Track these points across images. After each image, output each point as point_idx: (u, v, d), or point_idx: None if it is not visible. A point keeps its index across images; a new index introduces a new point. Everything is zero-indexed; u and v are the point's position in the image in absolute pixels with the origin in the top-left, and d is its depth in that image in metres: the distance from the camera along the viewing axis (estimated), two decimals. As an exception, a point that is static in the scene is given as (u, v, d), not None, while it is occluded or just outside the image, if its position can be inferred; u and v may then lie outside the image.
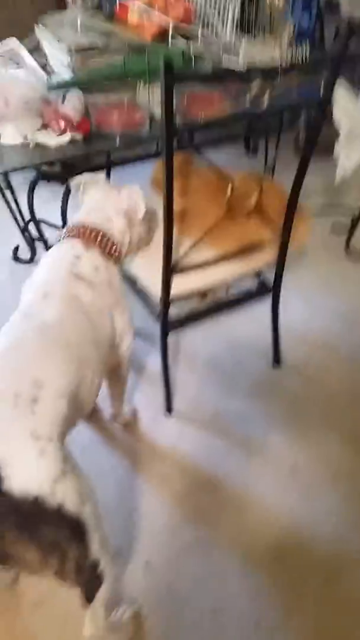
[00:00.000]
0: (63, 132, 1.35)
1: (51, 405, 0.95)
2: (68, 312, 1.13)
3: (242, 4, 1.76)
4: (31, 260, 2.21)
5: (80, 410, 1.12)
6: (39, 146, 1.34)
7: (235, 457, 1.63)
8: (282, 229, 1.52)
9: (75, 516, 0.91)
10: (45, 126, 1.38)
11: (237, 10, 1.62)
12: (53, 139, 1.34)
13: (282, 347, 1.92)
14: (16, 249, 2.32)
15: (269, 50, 1.64)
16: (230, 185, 1.30)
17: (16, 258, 2.30)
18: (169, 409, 1.73)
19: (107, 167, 1.55)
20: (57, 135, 1.35)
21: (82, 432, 1.66)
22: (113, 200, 1.33)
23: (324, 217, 2.62)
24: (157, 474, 1.59)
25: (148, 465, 1.61)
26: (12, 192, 2.00)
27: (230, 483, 1.57)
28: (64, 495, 0.89)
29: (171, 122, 1.08)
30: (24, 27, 1.79)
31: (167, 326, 1.57)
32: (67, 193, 1.59)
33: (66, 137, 1.34)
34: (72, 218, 1.35)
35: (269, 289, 1.75)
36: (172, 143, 1.12)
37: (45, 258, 1.27)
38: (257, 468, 1.61)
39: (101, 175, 1.41)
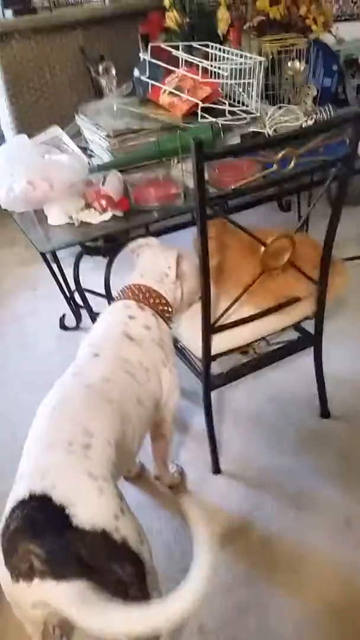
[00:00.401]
0: (105, 210, 1.46)
1: (102, 451, 1.03)
2: (115, 373, 1.22)
3: (266, 75, 1.90)
4: (77, 327, 2.33)
5: (123, 464, 1.17)
6: (83, 224, 1.45)
7: (286, 513, 1.62)
8: (318, 282, 1.56)
9: (136, 552, 0.95)
10: (88, 206, 1.49)
11: (261, 82, 1.74)
12: (96, 217, 1.45)
13: (329, 397, 1.91)
14: (63, 317, 2.44)
15: (294, 116, 1.75)
16: (263, 243, 1.36)
17: (63, 326, 2.42)
18: (216, 469, 1.75)
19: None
20: (100, 213, 1.46)
21: (129, 494, 1.68)
22: (163, 261, 1.43)
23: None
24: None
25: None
26: (59, 265, 2.14)
27: (283, 540, 1.55)
28: (126, 530, 0.93)
29: (204, 195, 1.17)
30: (66, 114, 1.97)
31: (210, 384, 1.62)
32: (109, 264, 1.70)
33: (108, 215, 1.45)
34: (127, 279, 1.45)
35: (310, 340, 1.78)
36: (205, 213, 1.21)
37: (102, 317, 1.39)
38: (310, 523, 1.59)
39: (153, 238, 1.52)
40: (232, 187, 1.19)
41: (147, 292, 1.39)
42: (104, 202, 1.47)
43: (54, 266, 2.20)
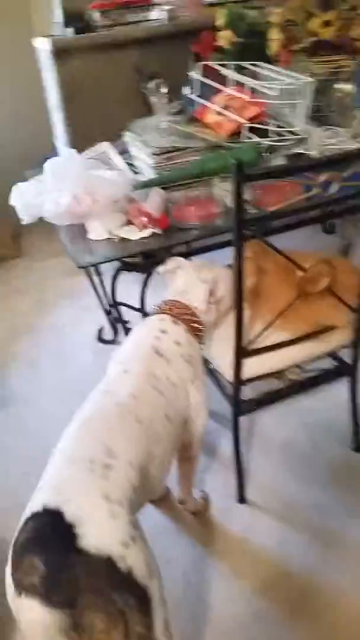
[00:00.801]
0: (145, 227, 1.46)
1: (122, 473, 1.01)
2: (142, 389, 1.20)
3: (314, 97, 1.87)
4: (114, 341, 2.33)
5: (149, 488, 1.15)
6: (122, 241, 1.45)
7: (312, 550, 1.55)
8: (358, 310, 1.51)
9: (143, 586, 0.91)
10: (129, 222, 1.49)
11: (308, 102, 1.71)
12: (135, 234, 1.45)
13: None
14: (100, 330, 2.45)
15: (341, 139, 1.70)
16: (301, 268, 1.32)
17: (100, 339, 2.43)
18: (241, 499, 1.70)
19: (186, 255, 1.65)
20: (140, 230, 1.46)
21: (151, 517, 1.65)
22: (198, 289, 1.43)
23: None
24: (227, 566, 1.54)
25: (218, 556, 1.57)
26: (100, 278, 2.15)
27: (308, 578, 1.49)
28: (133, 561, 0.90)
29: (242, 216, 1.15)
30: (118, 130, 1.98)
31: (239, 409, 1.58)
32: (146, 280, 1.69)
33: (147, 232, 1.44)
34: (163, 298, 1.46)
35: (346, 369, 1.72)
36: (242, 234, 1.18)
37: (134, 331, 1.39)
38: (336, 562, 1.52)
39: (183, 260, 1.51)
40: (271, 209, 1.15)
41: (183, 308, 1.40)
42: (144, 219, 1.47)
43: (95, 279, 2.22)
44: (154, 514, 1.69)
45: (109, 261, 1.39)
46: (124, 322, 2.12)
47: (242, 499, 1.70)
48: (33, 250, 3.32)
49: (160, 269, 1.50)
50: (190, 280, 1.46)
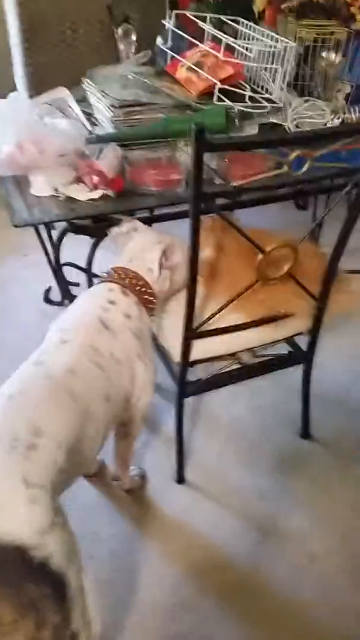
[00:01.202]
0: (95, 187, 1.33)
1: (48, 455, 0.92)
2: (81, 364, 1.11)
3: (298, 64, 1.74)
4: (62, 303, 2.20)
5: (79, 465, 1.07)
6: (69, 200, 1.31)
7: (249, 537, 1.51)
8: (318, 299, 1.43)
9: (59, 575, 0.85)
10: (78, 179, 1.36)
11: (289, 69, 1.58)
12: (84, 194, 1.32)
13: (314, 417, 1.79)
14: (48, 289, 2.32)
15: (320, 112, 1.59)
16: (261, 250, 1.22)
17: (47, 299, 2.29)
18: (180, 479, 1.64)
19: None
20: (90, 190, 1.32)
21: (83, 492, 1.58)
22: (153, 253, 1.32)
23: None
24: (159, 549, 1.48)
25: (151, 537, 1.51)
26: (50, 234, 2.00)
27: (241, 566, 1.45)
28: (50, 549, 0.84)
29: (199, 189, 1.03)
30: (85, 76, 1.80)
31: (185, 391, 1.50)
32: (94, 246, 1.56)
33: (98, 193, 1.32)
34: (113, 263, 1.34)
35: (301, 357, 1.65)
36: (200, 208, 1.07)
37: (80, 298, 1.28)
38: (271, 552, 1.48)
39: (140, 223, 1.39)
40: (235, 184, 1.04)
41: (135, 279, 1.29)
42: (95, 178, 1.34)
43: (45, 235, 2.07)
44: (87, 489, 1.61)
45: (49, 222, 1.26)
46: (73, 284, 1.99)
47: (180, 479, 1.64)
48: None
49: (114, 230, 1.37)
50: (144, 244, 1.35)
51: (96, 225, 1.44)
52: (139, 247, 1.35)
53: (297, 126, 1.53)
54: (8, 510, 0.84)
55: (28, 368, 1.09)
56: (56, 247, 1.59)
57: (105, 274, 1.31)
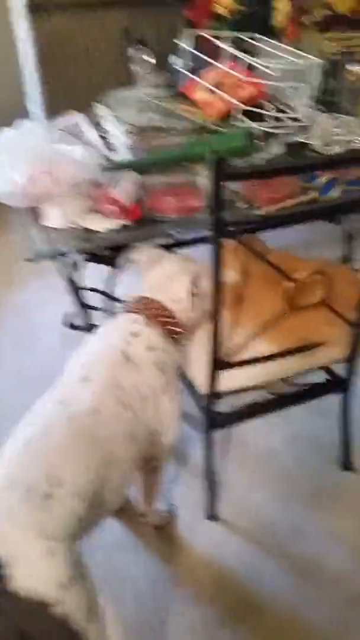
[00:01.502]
0: (113, 217, 1.27)
1: (67, 505, 0.88)
2: (105, 402, 1.05)
3: (324, 78, 1.66)
4: (84, 326, 2.16)
5: (101, 511, 1.02)
6: (85, 231, 1.26)
7: (286, 579, 1.42)
8: (354, 325, 1.35)
9: (80, 631, 0.81)
10: (94, 209, 1.31)
11: (315, 85, 1.51)
12: (101, 224, 1.27)
13: (355, 448, 1.69)
14: (70, 314, 2.28)
15: (349, 130, 1.51)
16: (290, 279, 1.15)
17: (69, 323, 2.25)
18: (211, 515, 1.56)
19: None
20: (107, 220, 1.27)
21: (108, 529, 1.51)
22: (178, 285, 1.26)
23: None
24: (189, 590, 1.40)
25: (180, 578, 1.43)
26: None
27: (278, 610, 1.36)
28: (70, 604, 0.80)
29: (220, 220, 0.97)
30: (100, 100, 1.76)
31: (214, 423, 1.43)
32: (114, 275, 1.51)
33: (115, 223, 1.26)
34: (134, 292, 1.29)
35: (339, 385, 1.56)
36: (221, 240, 1.01)
37: (101, 330, 1.23)
38: (310, 595, 1.38)
39: (164, 252, 1.34)
40: (260, 212, 0.98)
41: (159, 309, 1.23)
42: (112, 207, 1.28)
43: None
44: (111, 526, 1.54)
45: (63, 255, 1.21)
46: (96, 309, 1.95)
47: (211, 516, 1.56)
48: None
49: (136, 256, 1.32)
50: (169, 273, 1.29)
51: (113, 254, 1.38)
52: (164, 276, 1.29)
53: (325, 145, 1.45)
54: (28, 565, 0.80)
55: (49, 406, 1.04)
56: (73, 277, 1.54)
57: (128, 303, 1.26)
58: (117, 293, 1.60)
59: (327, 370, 1.57)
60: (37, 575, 0.80)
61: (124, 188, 1.29)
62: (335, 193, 0.97)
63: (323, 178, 0.94)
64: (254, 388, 1.41)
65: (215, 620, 1.34)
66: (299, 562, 1.46)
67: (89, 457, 0.96)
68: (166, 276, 1.29)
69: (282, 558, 1.47)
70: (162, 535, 1.54)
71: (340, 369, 1.54)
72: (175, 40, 1.70)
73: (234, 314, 1.36)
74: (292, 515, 1.57)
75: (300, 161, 1.21)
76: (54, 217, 1.27)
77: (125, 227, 1.27)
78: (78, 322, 2.21)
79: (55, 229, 1.26)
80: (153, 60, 1.87)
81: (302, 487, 1.65)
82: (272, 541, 1.51)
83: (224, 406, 1.42)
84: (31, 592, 0.77)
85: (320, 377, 1.57)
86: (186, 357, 1.40)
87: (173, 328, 1.24)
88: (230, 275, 1.41)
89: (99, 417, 1.02)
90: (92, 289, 2.09)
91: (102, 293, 1.83)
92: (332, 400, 1.60)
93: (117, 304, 1.56)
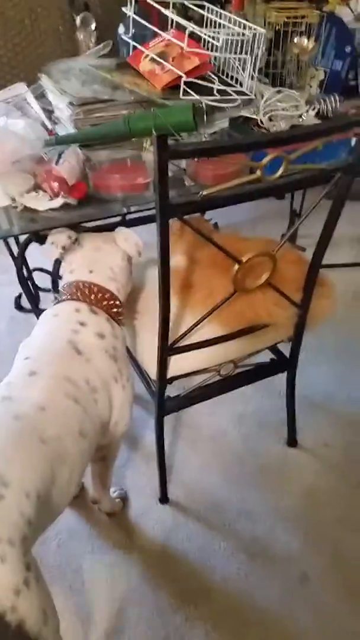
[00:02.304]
0: (55, 195, 1.21)
1: (14, 507, 0.82)
2: (54, 398, 0.99)
3: (269, 50, 1.63)
4: (34, 310, 2.09)
5: (51, 512, 0.96)
6: (28, 210, 1.20)
7: (236, 559, 1.44)
8: (300, 306, 1.35)
9: (34, 637, 0.77)
10: (37, 187, 1.24)
11: (260, 58, 1.47)
12: (43, 203, 1.20)
13: (300, 425, 1.72)
14: (19, 296, 2.20)
15: (294, 103, 1.49)
16: (237, 260, 1.13)
17: (19, 306, 2.18)
18: (163, 498, 1.55)
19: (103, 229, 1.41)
20: (49, 199, 1.21)
21: (60, 517, 1.49)
22: (111, 255, 1.24)
23: (357, 270, 2.44)
24: (144, 576, 1.40)
25: (134, 564, 1.42)
26: (17, 239, 1.88)
27: (228, 591, 1.37)
28: (26, 610, 0.76)
29: (166, 201, 0.93)
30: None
31: (164, 409, 1.40)
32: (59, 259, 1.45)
33: (58, 202, 1.19)
34: (68, 275, 1.23)
35: (284, 364, 1.57)
36: (167, 221, 0.97)
37: (45, 319, 1.16)
38: (260, 574, 1.40)
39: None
40: (203, 192, 0.94)
41: (100, 293, 1.18)
42: (55, 185, 1.22)
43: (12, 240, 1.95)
44: (65, 514, 1.51)
45: (8, 237, 1.14)
46: (44, 290, 1.89)
47: (164, 499, 1.56)
48: None
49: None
50: (98, 250, 1.25)
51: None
52: (92, 254, 1.24)
53: (270, 119, 1.42)
54: None
55: None
56: (20, 258, 1.48)
57: (65, 292, 1.19)
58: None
59: (273, 350, 1.57)
60: None
61: (68, 165, 1.22)
62: (279, 172, 0.94)
63: (268, 157, 0.90)
64: (204, 371, 1.39)
65: (169, 606, 1.34)
66: (248, 543, 1.47)
67: (36, 457, 0.91)
68: (95, 255, 1.24)
69: (232, 539, 1.48)
70: (115, 521, 1.52)
71: (285, 350, 1.55)
72: (123, 8, 1.62)
73: (183, 296, 1.33)
74: (241, 495, 1.58)
75: (245, 139, 1.18)
76: (-5, 195, 1.19)
77: (69, 205, 1.21)
78: (26, 304, 2.14)
79: (-3, 207, 1.19)
80: (95, 27, 1.79)
81: (250, 466, 1.66)
82: (223, 523, 1.52)
83: (174, 388, 1.40)
84: None
85: (266, 358, 1.56)
86: (135, 343, 1.37)
87: (117, 310, 1.20)
88: (178, 259, 1.38)
89: (46, 414, 0.97)
90: (40, 269, 2.03)
91: (49, 273, 1.78)
92: (277, 378, 1.61)
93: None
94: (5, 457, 0.88)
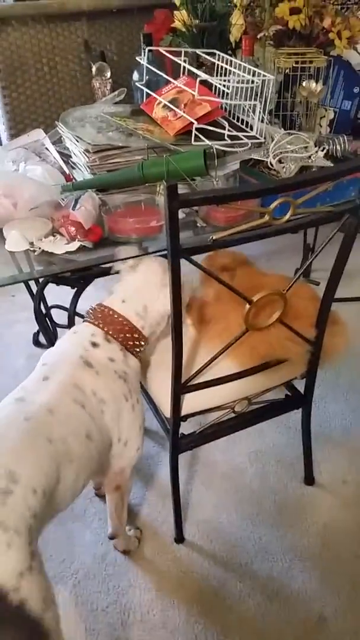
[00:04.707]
0: (72, 239, 1.25)
1: (22, 500, 0.89)
2: (62, 402, 1.06)
3: (279, 93, 1.68)
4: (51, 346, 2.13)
5: (55, 508, 1.02)
6: (45, 253, 1.24)
7: (252, 599, 1.41)
8: (313, 343, 1.36)
9: (37, 620, 0.83)
10: (55, 231, 1.29)
11: (270, 102, 1.51)
12: (60, 247, 1.24)
13: (317, 460, 1.71)
14: (37, 332, 2.25)
15: (304, 145, 1.52)
16: (247, 300, 1.15)
17: (37, 342, 2.22)
18: (178, 538, 1.54)
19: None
20: (66, 242, 1.25)
21: (77, 556, 1.50)
22: (154, 290, 1.26)
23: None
24: (159, 619, 1.38)
25: (150, 606, 1.41)
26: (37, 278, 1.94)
27: (245, 632, 1.35)
28: (28, 592, 0.82)
29: (177, 246, 0.96)
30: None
31: (179, 446, 1.41)
32: (76, 297, 1.49)
33: (74, 246, 1.24)
34: (110, 296, 1.28)
35: (299, 401, 1.57)
36: (179, 266, 1.00)
37: (67, 335, 1.23)
38: (277, 615, 1.38)
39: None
40: (214, 237, 0.97)
41: (120, 325, 1.21)
42: (72, 230, 1.26)
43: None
44: (81, 555, 1.52)
45: (18, 282, 1.19)
46: (62, 326, 1.92)
47: (179, 539, 1.55)
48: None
49: (118, 266, 1.30)
50: (143, 283, 1.27)
51: (74, 276, 1.37)
52: (135, 286, 1.27)
53: (279, 161, 1.46)
54: None
55: (8, 406, 1.05)
56: (37, 297, 1.52)
57: (91, 311, 1.24)
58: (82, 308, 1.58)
59: (288, 386, 1.57)
60: None
61: (84, 210, 1.26)
62: (287, 216, 0.97)
63: (275, 203, 0.93)
64: (218, 408, 1.40)
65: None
66: (265, 583, 1.45)
67: (44, 455, 0.97)
68: (138, 287, 1.27)
69: (248, 579, 1.46)
70: (130, 560, 1.51)
71: (300, 386, 1.55)
72: (137, 57, 1.69)
73: (200, 329, 1.35)
74: (258, 534, 1.56)
75: (253, 187, 1.21)
76: (14, 241, 1.23)
77: (85, 248, 1.25)
78: (43, 340, 2.18)
79: (15, 252, 1.23)
80: (109, 76, 1.86)
81: (266, 504, 1.64)
82: (240, 562, 1.50)
83: (189, 425, 1.40)
84: None
85: (280, 394, 1.57)
86: (148, 379, 1.39)
87: (135, 343, 1.23)
88: (208, 293, 1.41)
89: (54, 416, 1.03)
90: (57, 306, 2.07)
91: (66, 309, 1.81)
92: (292, 413, 1.61)
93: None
94: (17, 455, 0.94)
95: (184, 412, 1.33)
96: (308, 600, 1.40)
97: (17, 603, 0.80)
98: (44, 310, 2.09)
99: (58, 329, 2.10)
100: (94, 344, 1.18)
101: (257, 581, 1.45)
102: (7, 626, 0.80)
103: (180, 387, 1.26)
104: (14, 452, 0.94)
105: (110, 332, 1.20)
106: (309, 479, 1.69)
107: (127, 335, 1.22)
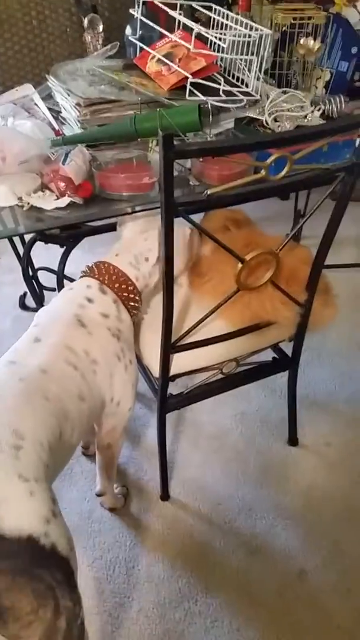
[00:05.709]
0: (62, 194, 1.23)
1: (33, 453, 0.91)
2: (54, 363, 1.06)
3: (275, 51, 1.65)
4: (38, 308, 2.11)
5: (59, 462, 1.05)
6: (34, 209, 1.21)
7: (235, 556, 1.45)
8: (303, 306, 1.36)
9: (66, 558, 0.87)
10: (43, 187, 1.26)
11: (266, 59, 1.48)
12: (50, 203, 1.22)
13: (301, 422, 1.74)
14: (24, 295, 2.22)
15: (300, 104, 1.50)
16: (240, 259, 1.14)
17: (23, 305, 2.20)
18: (164, 495, 1.57)
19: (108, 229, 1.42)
20: (55, 198, 1.22)
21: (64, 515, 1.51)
22: (143, 241, 1.28)
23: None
24: (142, 571, 1.42)
25: (134, 558, 1.44)
26: (22, 237, 1.90)
27: (228, 587, 1.38)
28: (56, 535, 0.85)
29: (171, 200, 0.95)
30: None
31: (166, 406, 1.42)
32: (65, 256, 1.47)
33: (64, 201, 1.21)
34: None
35: (285, 363, 1.58)
36: (172, 220, 0.99)
37: (61, 292, 1.23)
38: (259, 570, 1.41)
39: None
40: (209, 192, 0.96)
41: (115, 275, 1.23)
42: (62, 185, 1.24)
43: (17, 239, 1.97)
44: (67, 509, 1.53)
45: (6, 237, 1.16)
46: (49, 289, 1.90)
47: (165, 496, 1.57)
48: None
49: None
50: (132, 235, 1.30)
51: (64, 233, 1.34)
52: (127, 238, 1.29)
53: (275, 120, 1.44)
54: (12, 505, 0.83)
55: (1, 368, 1.05)
56: (25, 256, 1.50)
57: (86, 268, 1.26)
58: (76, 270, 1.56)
59: (275, 349, 1.58)
60: (24, 514, 0.83)
61: (74, 165, 1.23)
62: (283, 172, 0.96)
63: (272, 157, 0.92)
64: (206, 369, 1.40)
65: (169, 602, 1.35)
66: (248, 540, 1.48)
67: (43, 412, 0.99)
68: (132, 237, 1.29)
69: (232, 536, 1.49)
70: (116, 517, 1.53)
71: (287, 349, 1.56)
72: (130, 10, 1.64)
73: (194, 285, 1.35)
74: (242, 493, 1.59)
75: (250, 139, 1.19)
76: (3, 195, 1.21)
77: (75, 205, 1.23)
78: (30, 303, 2.16)
79: (3, 207, 1.21)
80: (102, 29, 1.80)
81: (251, 464, 1.67)
82: (224, 519, 1.53)
83: (176, 386, 1.41)
84: (17, 529, 0.80)
85: (268, 357, 1.58)
86: (137, 339, 1.38)
87: (129, 295, 1.23)
88: (205, 249, 1.40)
89: (48, 376, 1.04)
90: (45, 268, 2.05)
91: (54, 272, 1.79)
92: (278, 376, 1.63)
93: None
94: (17, 413, 0.95)
95: (172, 372, 1.34)
96: (290, 556, 1.44)
97: (49, 547, 0.83)
98: (31, 273, 2.06)
99: (45, 292, 2.09)
100: (89, 299, 1.18)
101: (240, 538, 1.48)
102: (44, 570, 0.83)
103: (169, 347, 1.26)
104: (14, 410, 0.95)
105: (106, 282, 1.21)
106: (293, 441, 1.72)
107: (122, 286, 1.22)
